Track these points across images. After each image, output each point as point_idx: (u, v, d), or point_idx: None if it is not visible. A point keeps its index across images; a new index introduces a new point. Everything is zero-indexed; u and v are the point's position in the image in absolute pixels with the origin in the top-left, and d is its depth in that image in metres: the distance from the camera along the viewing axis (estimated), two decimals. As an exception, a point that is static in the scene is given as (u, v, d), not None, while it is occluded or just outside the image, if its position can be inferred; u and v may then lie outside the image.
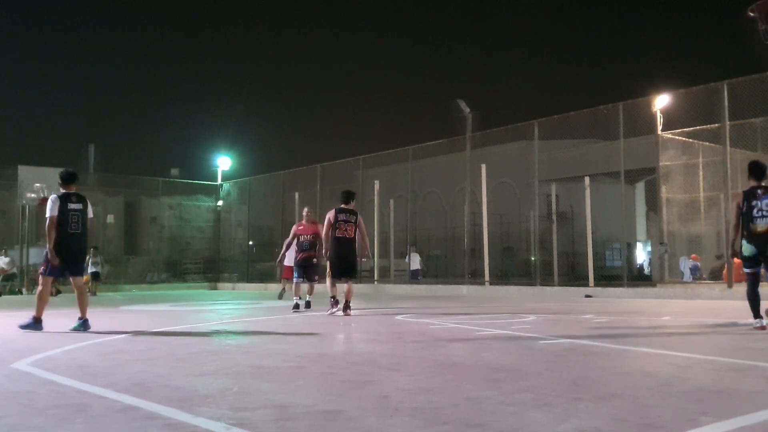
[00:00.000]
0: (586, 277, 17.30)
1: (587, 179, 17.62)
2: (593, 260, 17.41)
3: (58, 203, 7.76)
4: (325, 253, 10.31)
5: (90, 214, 8.10)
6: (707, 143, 17.74)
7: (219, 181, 29.78)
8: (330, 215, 10.11)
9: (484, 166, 19.56)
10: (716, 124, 15.59)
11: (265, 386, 4.06)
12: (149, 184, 28.96)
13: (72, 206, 7.85)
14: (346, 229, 10.00)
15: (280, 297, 16.08)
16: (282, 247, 13.53)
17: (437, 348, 6.00)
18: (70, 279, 8.12)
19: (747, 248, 7.15)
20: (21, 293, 21.22)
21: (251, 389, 3.94)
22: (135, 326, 8.64)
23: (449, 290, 19.36)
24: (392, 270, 23.46)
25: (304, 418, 3.18)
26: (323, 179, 24.17)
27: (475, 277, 20.60)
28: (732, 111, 14.96)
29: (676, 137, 17.90)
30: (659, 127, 17.32)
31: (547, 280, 18.74)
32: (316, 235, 11.22)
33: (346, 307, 10.00)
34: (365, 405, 3.47)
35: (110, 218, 28.46)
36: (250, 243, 29.06)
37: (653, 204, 22.19)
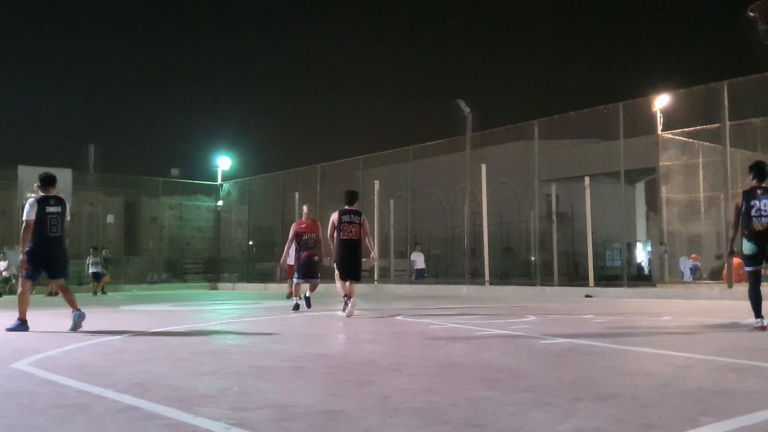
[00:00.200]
0: (586, 277, 17.31)
1: (587, 179, 17.62)
2: (593, 260, 17.42)
3: (35, 207, 7.81)
4: (334, 257, 10.07)
5: (67, 216, 8.14)
6: (707, 143, 17.74)
7: (219, 181, 29.79)
8: (333, 217, 9.94)
9: (484, 166, 19.57)
10: (716, 124, 15.60)
11: (265, 386, 4.06)
12: (149, 184, 28.97)
13: (50, 209, 7.89)
14: (350, 231, 9.82)
15: (290, 297, 15.85)
16: (285, 248, 13.49)
17: (437, 348, 6.00)
18: (50, 281, 8.10)
19: (747, 246, 7.19)
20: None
21: (251, 389, 3.94)
22: (135, 326, 8.63)
23: (449, 290, 19.36)
24: (392, 270, 23.46)
25: (304, 418, 3.18)
26: (323, 179, 24.18)
27: (475, 277, 20.61)
28: (732, 111, 14.97)
29: (676, 137, 17.89)
30: (659, 127, 17.32)
31: (547, 280, 18.75)
32: (317, 234, 11.19)
33: (350, 298, 9.76)
34: (365, 405, 3.47)
35: (110, 218, 28.46)
36: (250, 243, 29.07)
37: (653, 204, 22.20)
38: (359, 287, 9.95)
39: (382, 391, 3.82)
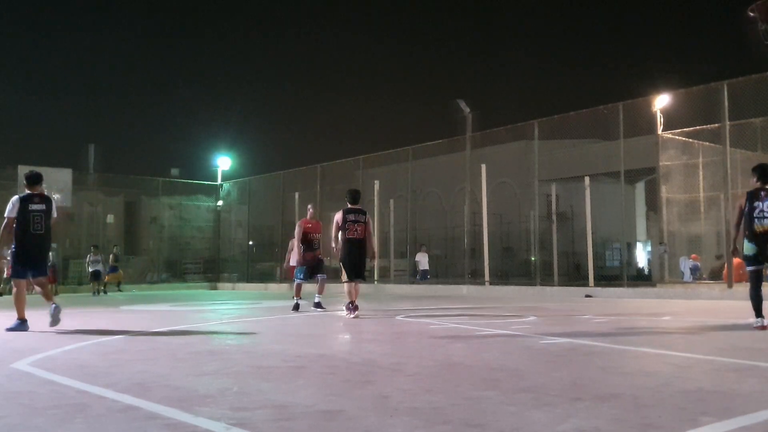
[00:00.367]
0: (586, 277, 17.31)
1: (587, 179, 17.62)
2: (593, 260, 17.42)
3: (18, 205, 7.86)
4: (340, 257, 9.94)
5: (54, 213, 8.19)
6: (707, 143, 17.74)
7: (219, 181, 29.79)
8: (338, 216, 9.77)
9: (484, 166, 19.57)
10: (716, 124, 15.59)
11: (265, 386, 4.06)
12: (149, 184, 28.97)
13: (34, 207, 7.94)
14: (356, 230, 9.67)
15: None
16: (294, 246, 13.35)
17: (437, 348, 6.00)
18: (30, 279, 8.11)
19: (748, 247, 7.26)
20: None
21: (251, 389, 3.94)
22: (135, 326, 8.63)
23: (449, 290, 19.36)
24: (392, 270, 23.46)
25: (304, 418, 3.18)
26: (323, 179, 24.18)
27: (475, 277, 20.60)
28: (732, 111, 14.96)
29: (676, 137, 17.89)
30: (659, 127, 17.33)
31: (547, 280, 18.74)
32: (320, 234, 11.14)
33: (351, 305, 9.74)
34: (365, 405, 3.47)
35: (110, 218, 28.47)
36: (250, 243, 29.07)
37: (653, 204, 22.19)
38: (361, 287, 9.92)
39: (382, 391, 3.82)
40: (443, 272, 26.36)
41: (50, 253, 22.95)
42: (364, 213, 9.94)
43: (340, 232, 9.76)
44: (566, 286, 18.23)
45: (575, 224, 21.79)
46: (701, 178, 18.71)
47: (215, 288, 27.39)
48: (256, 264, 28.53)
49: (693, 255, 19.57)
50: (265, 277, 27.02)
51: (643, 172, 21.07)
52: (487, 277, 19.29)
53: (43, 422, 3.16)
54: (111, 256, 23.41)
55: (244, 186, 28.92)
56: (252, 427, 3.01)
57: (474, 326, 8.02)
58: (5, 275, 21.55)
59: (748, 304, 7.36)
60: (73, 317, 10.71)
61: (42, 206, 8.01)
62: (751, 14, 20.67)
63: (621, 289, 16.18)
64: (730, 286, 14.38)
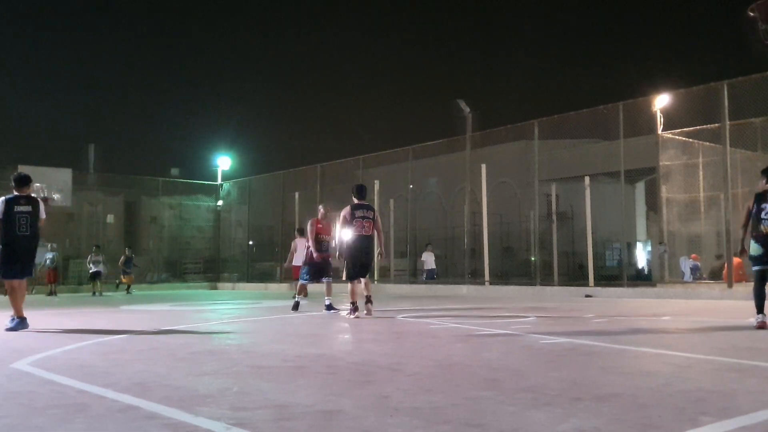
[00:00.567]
0: (586, 277, 17.31)
1: (587, 179, 17.62)
2: (593, 260, 17.41)
3: (3, 206, 7.93)
4: (339, 254, 9.84)
5: (42, 215, 8.25)
6: (707, 143, 17.73)
7: (219, 181, 29.80)
8: (345, 212, 9.56)
9: (484, 166, 19.56)
10: (716, 124, 15.59)
11: (265, 386, 4.06)
12: (149, 184, 28.98)
13: (19, 209, 8.01)
14: (363, 226, 9.49)
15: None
16: (297, 246, 13.17)
17: (437, 348, 6.00)
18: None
19: (754, 248, 7.40)
20: None
21: (251, 389, 3.94)
22: (135, 326, 8.63)
23: (449, 290, 19.36)
24: (392, 270, 23.46)
25: (304, 418, 3.18)
26: (323, 179, 24.19)
27: (475, 277, 20.60)
28: (732, 111, 14.96)
29: (676, 137, 17.89)
30: (659, 127, 17.32)
31: (547, 280, 18.74)
32: (331, 236, 11.01)
33: (368, 301, 9.56)
34: (365, 405, 3.47)
35: (110, 218, 28.47)
36: (250, 243, 29.07)
37: (653, 204, 22.16)
38: (361, 287, 9.86)
39: (382, 391, 3.82)
40: (443, 272, 26.35)
41: (52, 254, 22.98)
42: (373, 209, 9.78)
43: (344, 229, 9.57)
44: (566, 286, 18.23)
45: (575, 224, 21.78)
46: (701, 177, 18.70)
47: (215, 288, 27.39)
48: (256, 264, 28.53)
49: (693, 255, 19.57)
50: (265, 277, 27.02)
51: (643, 172, 21.06)
52: (487, 277, 19.29)
53: (42, 422, 3.16)
54: (123, 258, 23.41)
55: (244, 186, 28.92)
56: (252, 427, 3.01)
57: (474, 326, 8.01)
58: None
59: (748, 304, 7.37)
60: (73, 317, 10.72)
61: (28, 208, 8.07)
62: (751, 14, 20.63)
63: (621, 289, 16.18)
64: (730, 285, 14.38)
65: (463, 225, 21.12)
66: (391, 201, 22.79)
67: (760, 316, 7.19)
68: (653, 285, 17.06)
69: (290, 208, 24.99)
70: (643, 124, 17.34)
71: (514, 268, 24.95)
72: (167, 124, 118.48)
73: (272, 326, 8.67)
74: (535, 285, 18.10)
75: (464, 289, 18.96)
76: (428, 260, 22.42)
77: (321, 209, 11.24)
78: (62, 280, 23.94)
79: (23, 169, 22.10)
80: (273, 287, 24.63)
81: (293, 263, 14.20)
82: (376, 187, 21.99)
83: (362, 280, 9.80)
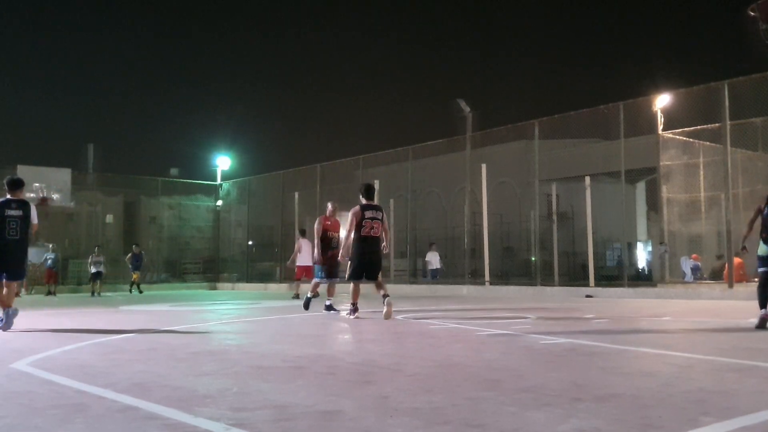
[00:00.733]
0: (587, 277, 17.30)
1: (588, 179, 17.62)
2: (594, 260, 17.41)
3: None
4: (346, 254, 9.63)
5: (34, 219, 8.23)
6: (708, 143, 17.72)
7: (218, 181, 29.79)
8: (355, 213, 9.31)
9: (484, 166, 19.56)
10: (717, 124, 15.58)
11: (265, 386, 4.05)
12: (149, 184, 28.97)
13: (10, 212, 7.99)
14: (372, 227, 9.30)
15: (303, 298, 12.75)
16: (302, 246, 13.07)
17: (437, 348, 5.99)
18: (7, 282, 8.11)
19: (763, 249, 7.51)
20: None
21: (251, 389, 3.93)
22: (135, 326, 8.63)
23: (449, 290, 19.36)
24: (392, 270, 23.45)
25: (304, 418, 3.17)
26: (323, 179, 24.18)
27: (475, 277, 20.59)
28: (733, 110, 14.95)
29: (677, 137, 17.87)
30: (660, 127, 17.30)
31: (547, 280, 18.74)
32: (339, 233, 10.91)
33: (386, 296, 9.12)
34: (365, 405, 3.47)
35: (110, 218, 28.45)
36: (250, 243, 29.06)
37: (654, 204, 22.18)
38: (362, 288, 9.80)
39: (382, 391, 3.82)
40: (443, 272, 26.37)
41: (53, 255, 22.94)
42: (382, 210, 9.61)
43: (353, 229, 9.33)
44: (566, 286, 18.23)
45: (576, 224, 21.77)
46: (702, 177, 18.69)
47: (215, 288, 27.38)
48: (256, 264, 28.52)
49: (694, 255, 19.56)
50: (265, 277, 27.02)
51: (644, 171, 21.07)
52: (487, 277, 19.29)
53: (42, 422, 3.16)
54: (130, 254, 23.39)
55: (244, 186, 28.91)
56: (252, 427, 3.00)
57: (474, 326, 8.01)
58: None
59: (748, 304, 7.38)
60: (72, 317, 10.72)
61: (19, 212, 8.06)
62: (751, 14, 20.62)
63: (621, 289, 16.17)
64: (730, 286, 14.37)
65: (464, 225, 21.11)
66: (391, 201, 22.77)
67: (763, 311, 7.25)
68: (654, 285, 17.06)
69: (290, 208, 24.99)
70: (644, 123, 17.33)
71: (514, 269, 24.95)
72: (167, 124, 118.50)
73: (272, 326, 8.67)
74: (536, 285, 18.09)
75: (464, 290, 18.96)
76: (433, 260, 22.42)
77: (330, 206, 11.13)
78: (61, 280, 23.92)
79: (23, 168, 22.27)
80: (273, 287, 24.62)
81: (297, 263, 14.18)
82: (376, 187, 21.93)
83: (375, 282, 9.47)
